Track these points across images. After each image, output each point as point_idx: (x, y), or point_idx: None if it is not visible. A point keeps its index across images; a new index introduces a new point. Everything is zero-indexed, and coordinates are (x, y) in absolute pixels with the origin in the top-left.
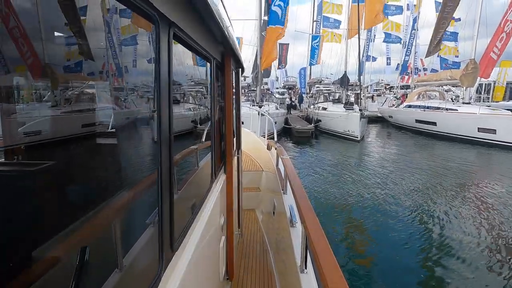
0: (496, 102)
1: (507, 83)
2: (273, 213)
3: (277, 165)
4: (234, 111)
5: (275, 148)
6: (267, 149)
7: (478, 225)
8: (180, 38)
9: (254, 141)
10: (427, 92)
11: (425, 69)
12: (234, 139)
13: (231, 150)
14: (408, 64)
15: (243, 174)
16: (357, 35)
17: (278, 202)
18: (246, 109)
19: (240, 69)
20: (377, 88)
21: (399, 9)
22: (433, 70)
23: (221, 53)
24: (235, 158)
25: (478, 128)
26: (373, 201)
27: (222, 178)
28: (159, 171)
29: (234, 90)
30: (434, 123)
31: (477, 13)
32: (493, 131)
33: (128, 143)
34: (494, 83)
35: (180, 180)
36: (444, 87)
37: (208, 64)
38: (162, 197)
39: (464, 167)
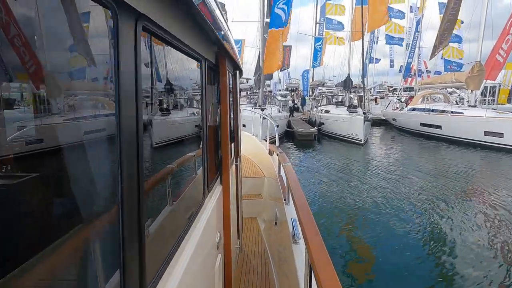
0: (502, 104)
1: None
2: (275, 223)
3: (279, 172)
4: (231, 115)
5: (277, 154)
6: (269, 154)
7: (493, 237)
8: (157, 34)
9: (255, 145)
10: (431, 95)
11: (428, 71)
12: (233, 145)
13: (228, 159)
14: (411, 66)
15: (243, 181)
16: (360, 39)
17: (281, 212)
18: (249, 112)
19: (238, 72)
20: (380, 90)
21: (401, 14)
22: (437, 72)
23: (215, 53)
24: (234, 166)
25: (485, 131)
26: (380, 210)
27: (218, 189)
28: (121, 196)
29: (231, 93)
30: (439, 127)
31: (483, 15)
32: (500, 135)
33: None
34: (499, 86)
35: (160, 200)
36: (448, 89)
37: (199, 65)
38: (124, 230)
39: (473, 172)
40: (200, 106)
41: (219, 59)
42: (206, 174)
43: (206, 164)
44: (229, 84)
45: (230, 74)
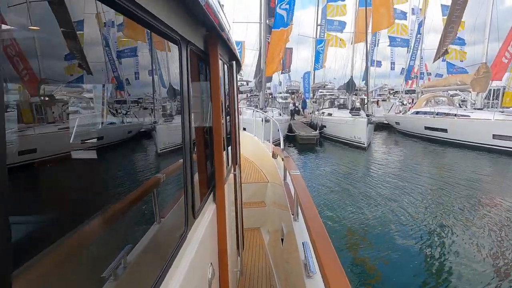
0: (507, 107)
1: None
2: (282, 240)
3: (284, 179)
4: (226, 115)
5: (282, 159)
6: (272, 157)
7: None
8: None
9: (257, 146)
10: (435, 98)
11: (429, 74)
12: (229, 151)
13: (223, 170)
14: (412, 69)
15: (244, 187)
16: (362, 41)
17: (288, 228)
18: (250, 114)
19: (235, 63)
20: (380, 93)
21: (403, 15)
22: (438, 75)
23: (203, 38)
24: (231, 175)
25: (493, 135)
26: (389, 225)
27: (210, 209)
28: None
29: (227, 88)
30: (445, 130)
31: (488, 17)
32: (510, 138)
33: None
34: (504, 89)
35: (127, 235)
36: (449, 92)
37: (177, 49)
38: None
39: (483, 178)
40: (181, 105)
41: (209, 45)
42: (189, 197)
43: (188, 184)
44: (224, 77)
45: (225, 65)
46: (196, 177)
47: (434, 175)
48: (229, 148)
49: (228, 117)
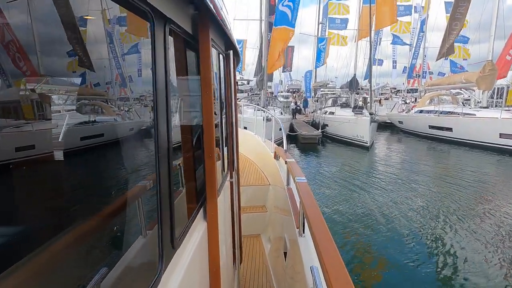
0: (510, 106)
1: None
2: (285, 254)
3: (288, 183)
4: (221, 113)
5: (285, 162)
6: (274, 158)
7: None
8: None
9: (258, 146)
10: (439, 96)
11: (430, 73)
12: (225, 154)
13: (215, 179)
14: (414, 67)
15: (243, 190)
16: (365, 38)
17: (292, 244)
18: (251, 113)
19: (232, 52)
20: (382, 92)
21: (408, 10)
22: (440, 74)
23: (190, 18)
24: (227, 183)
25: (500, 134)
26: (397, 231)
27: (200, 228)
28: None
29: (223, 82)
30: (449, 129)
31: (494, 13)
32: None
33: None
34: (508, 87)
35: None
36: (451, 91)
37: (149, 28)
38: None
39: (491, 179)
40: (153, 100)
41: (198, 28)
42: (166, 222)
43: (164, 204)
44: (218, 69)
45: (220, 55)
46: (182, 191)
47: (446, 178)
48: (226, 149)
49: (224, 116)
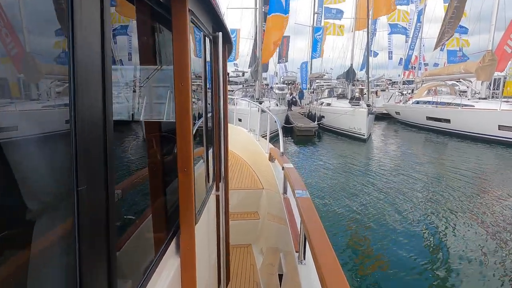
0: (508, 97)
1: None
2: (280, 277)
3: (285, 192)
4: (206, 108)
5: (282, 168)
6: (269, 159)
7: None
8: None
9: (252, 144)
10: (437, 87)
11: (426, 64)
12: (210, 159)
13: (192, 204)
14: (411, 59)
15: (232, 194)
16: (362, 29)
17: (290, 270)
18: (246, 104)
19: (222, 35)
20: (378, 84)
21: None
22: (435, 65)
23: None
24: (212, 197)
25: (499, 125)
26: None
27: (171, 265)
28: None
29: (209, 70)
30: (447, 120)
31: (495, 2)
32: None
33: None
34: (505, 78)
35: None
36: (447, 82)
37: None
38: None
39: (490, 172)
40: (69, 81)
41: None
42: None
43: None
44: (204, 54)
45: (206, 37)
46: (146, 216)
47: (437, 168)
48: (211, 153)
49: (210, 112)
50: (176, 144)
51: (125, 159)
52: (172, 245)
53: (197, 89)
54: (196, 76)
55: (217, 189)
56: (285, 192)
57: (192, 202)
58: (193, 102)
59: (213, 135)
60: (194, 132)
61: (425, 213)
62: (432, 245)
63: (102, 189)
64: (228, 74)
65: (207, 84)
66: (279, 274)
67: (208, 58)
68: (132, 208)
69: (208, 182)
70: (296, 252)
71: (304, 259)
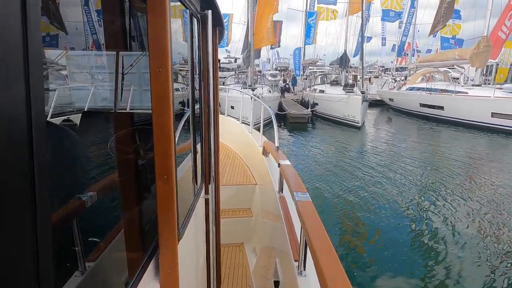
0: (501, 84)
1: (510, 65)
2: (276, 284)
3: (280, 190)
4: (192, 97)
5: (278, 164)
6: (262, 153)
7: None
8: None
9: (243, 136)
10: (431, 74)
11: (418, 51)
12: (197, 157)
13: (174, 218)
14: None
15: (223, 190)
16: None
17: (287, 281)
18: (237, 93)
19: (211, 13)
20: (370, 70)
21: None
22: (428, 51)
23: None
24: (201, 201)
25: (492, 113)
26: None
27: None
28: None
29: (195, 53)
30: (441, 107)
31: None
32: (510, 117)
33: None
34: (497, 65)
35: None
36: (439, 68)
37: None
38: None
39: (479, 159)
40: None
41: None
42: None
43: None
44: (191, 33)
45: (193, 17)
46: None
47: (431, 155)
48: (199, 149)
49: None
50: (154, 145)
51: (91, 162)
52: (151, 267)
53: (183, 76)
54: (181, 63)
55: (206, 192)
56: (281, 190)
57: (174, 215)
58: (177, 90)
59: (201, 130)
60: (179, 127)
61: (419, 194)
62: (420, 218)
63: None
64: (219, 60)
65: (194, 71)
66: (274, 281)
67: (196, 43)
68: (98, 222)
69: (196, 184)
70: (295, 261)
71: (305, 270)
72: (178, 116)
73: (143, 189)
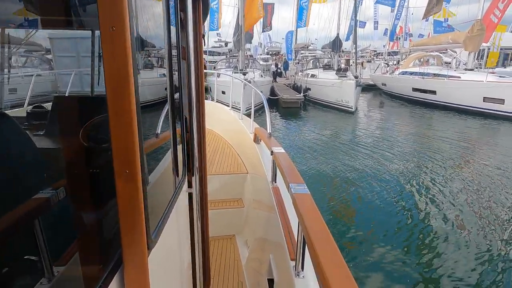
0: (492, 68)
1: (501, 49)
2: (270, 282)
3: (274, 180)
4: (170, 86)
5: (271, 152)
6: (254, 141)
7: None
8: None
9: (233, 122)
10: (424, 58)
11: (410, 35)
12: (178, 147)
13: (142, 223)
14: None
15: (211, 179)
16: None
17: (283, 282)
18: (229, 77)
19: None
20: (362, 55)
21: None
22: (420, 36)
23: None
24: (183, 195)
25: (484, 97)
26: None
27: None
28: None
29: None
30: (433, 92)
31: None
32: (501, 101)
33: None
34: (488, 49)
35: None
36: (431, 52)
37: None
38: None
39: (470, 143)
40: None
41: None
42: None
43: None
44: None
45: None
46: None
47: (424, 139)
48: (180, 133)
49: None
50: (109, 131)
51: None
52: (113, 284)
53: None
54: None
55: (190, 185)
56: (274, 180)
57: (142, 221)
58: (149, 66)
59: (182, 116)
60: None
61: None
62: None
63: None
64: (204, 35)
65: (172, 47)
66: (268, 279)
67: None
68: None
69: (178, 177)
70: (292, 260)
71: (303, 270)
72: (162, 103)
73: (103, 189)
